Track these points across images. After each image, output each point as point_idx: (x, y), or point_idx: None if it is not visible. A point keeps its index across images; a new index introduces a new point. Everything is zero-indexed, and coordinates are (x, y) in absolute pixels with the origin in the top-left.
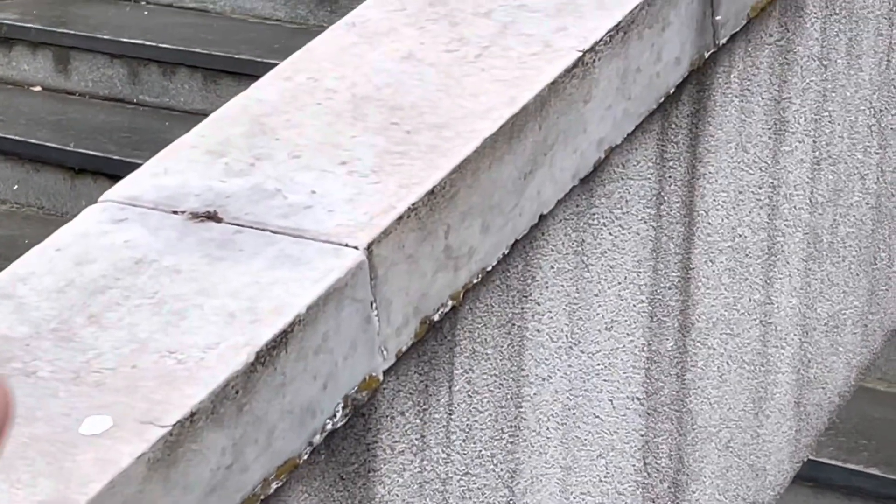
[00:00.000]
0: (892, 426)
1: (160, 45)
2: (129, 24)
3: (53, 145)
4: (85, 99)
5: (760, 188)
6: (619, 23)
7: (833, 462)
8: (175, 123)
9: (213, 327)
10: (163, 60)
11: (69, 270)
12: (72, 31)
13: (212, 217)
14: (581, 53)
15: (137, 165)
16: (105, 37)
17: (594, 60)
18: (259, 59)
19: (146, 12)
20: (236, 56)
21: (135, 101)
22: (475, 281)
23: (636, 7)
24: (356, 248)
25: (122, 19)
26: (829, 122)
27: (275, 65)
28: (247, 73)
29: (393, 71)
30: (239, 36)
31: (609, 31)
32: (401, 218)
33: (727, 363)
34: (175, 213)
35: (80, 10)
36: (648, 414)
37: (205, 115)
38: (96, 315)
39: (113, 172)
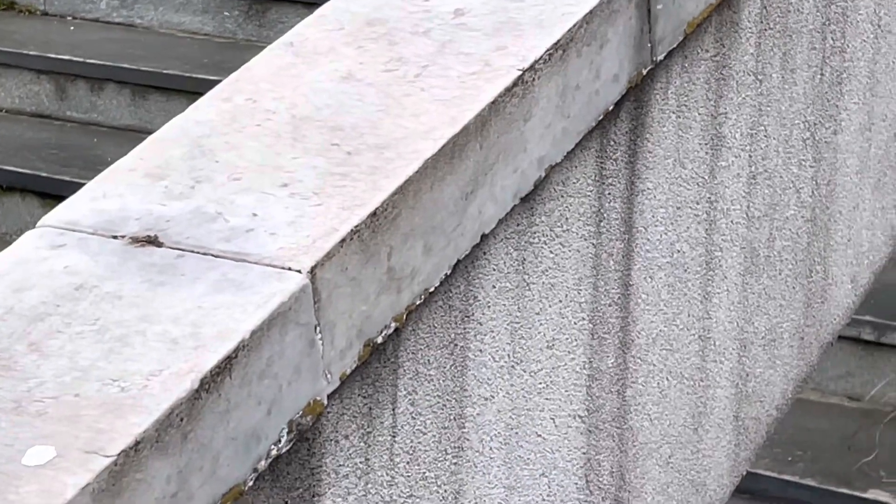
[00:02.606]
0: (827, 437)
1: (88, 60)
2: (55, 39)
3: None
4: (12, 115)
5: (698, 203)
6: (559, 41)
7: (769, 473)
8: (103, 139)
9: (156, 354)
10: (90, 76)
11: (8, 298)
12: None
13: (152, 241)
14: (521, 72)
15: (66, 182)
16: (32, 53)
17: (534, 79)
18: (188, 75)
19: (73, 28)
20: (165, 71)
21: (62, 117)
22: (418, 302)
23: (575, 25)
24: (299, 271)
25: (49, 35)
26: (765, 136)
27: (203, 80)
28: (175, 89)
29: (332, 91)
30: (167, 51)
31: (548, 50)
32: (343, 240)
33: (667, 379)
34: (115, 237)
35: (5, 25)
36: (590, 431)
37: (133, 130)
38: (37, 343)
39: (41, 190)
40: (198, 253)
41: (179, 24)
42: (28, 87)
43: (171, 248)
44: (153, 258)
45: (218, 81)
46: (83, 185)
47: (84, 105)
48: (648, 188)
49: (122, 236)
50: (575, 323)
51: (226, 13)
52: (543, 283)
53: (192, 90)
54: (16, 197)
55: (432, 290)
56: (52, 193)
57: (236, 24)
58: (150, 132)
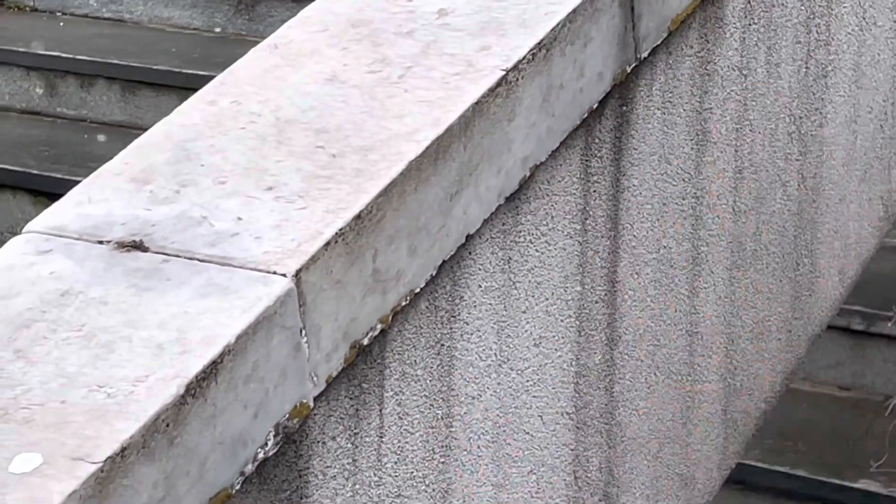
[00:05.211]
0: (817, 427)
1: (77, 57)
2: (44, 36)
3: None
4: (2, 112)
5: (684, 199)
6: (542, 40)
7: (760, 464)
8: (94, 136)
9: (142, 360)
10: (80, 72)
11: None
12: None
13: (138, 246)
14: (504, 72)
15: (57, 179)
16: (21, 49)
17: (517, 79)
18: (177, 70)
19: (62, 24)
20: (154, 67)
21: (53, 113)
22: (404, 303)
23: (558, 24)
24: (284, 275)
25: (38, 31)
26: (750, 130)
27: (193, 75)
28: (165, 84)
29: (317, 93)
30: (156, 46)
31: (532, 49)
32: (328, 244)
33: (655, 374)
34: (101, 242)
35: None
36: (578, 428)
37: (124, 126)
38: (23, 349)
39: (32, 187)
40: (183, 258)
41: (168, 18)
42: (18, 84)
43: (156, 252)
44: (139, 263)
45: (207, 76)
46: (74, 181)
47: (74, 101)
48: (634, 185)
49: (108, 241)
50: (562, 320)
51: (215, 7)
52: (529, 281)
53: (181, 85)
54: (6, 194)
55: (418, 290)
56: (43, 191)
57: (226, 19)
58: (140, 128)
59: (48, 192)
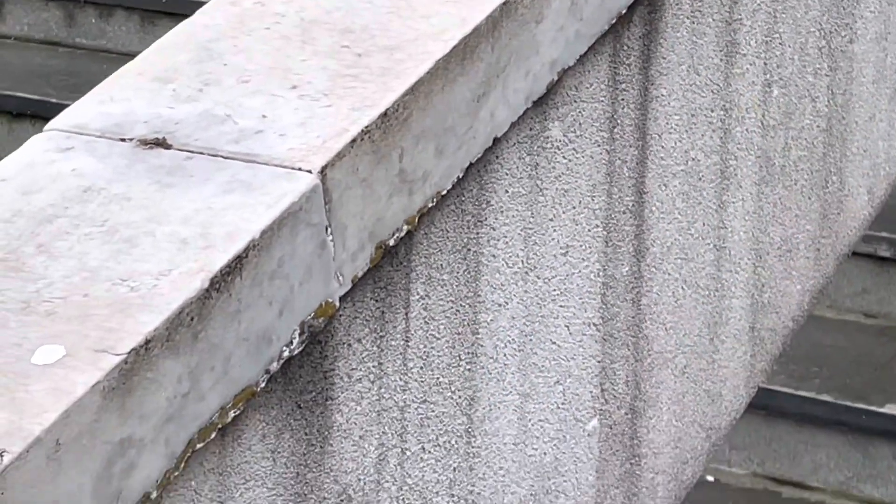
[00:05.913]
0: (842, 353)
1: None
2: None
3: None
4: (21, 43)
5: (712, 111)
6: None
7: (785, 390)
8: (113, 66)
9: (166, 254)
10: (99, 2)
11: (16, 200)
12: None
13: (161, 143)
14: None
15: None
16: None
17: None
18: (198, 0)
19: None
20: None
21: (72, 44)
22: (430, 205)
23: None
24: (309, 171)
25: None
26: (780, 43)
27: None
28: (185, 14)
29: None
30: None
31: None
32: (354, 141)
33: (682, 288)
34: (123, 140)
35: None
36: (605, 340)
37: None
38: (45, 244)
39: (51, 116)
40: (207, 154)
41: None
42: (37, 14)
43: (179, 150)
44: (162, 160)
45: None
46: None
47: (93, 32)
48: (662, 94)
49: (130, 139)
50: (589, 230)
51: None
52: (557, 188)
53: None
54: (26, 123)
55: (444, 193)
56: None
57: None
58: None
59: None
